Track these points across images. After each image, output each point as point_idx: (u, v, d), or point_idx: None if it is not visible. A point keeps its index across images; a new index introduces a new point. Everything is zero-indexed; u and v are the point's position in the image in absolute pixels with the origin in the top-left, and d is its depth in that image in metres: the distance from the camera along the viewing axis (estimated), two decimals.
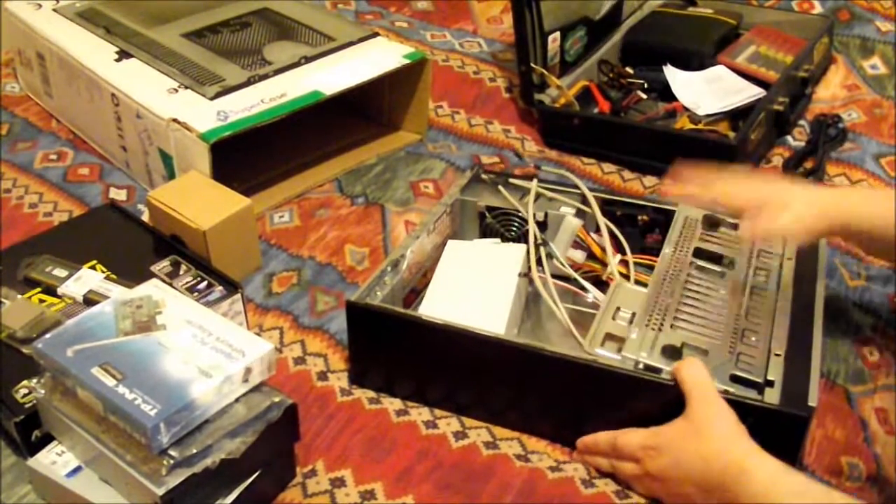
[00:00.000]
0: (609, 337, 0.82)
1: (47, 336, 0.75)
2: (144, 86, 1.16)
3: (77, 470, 0.75)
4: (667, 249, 0.92)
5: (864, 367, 0.92)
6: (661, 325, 0.82)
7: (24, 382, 0.81)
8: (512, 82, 1.42)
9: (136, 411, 0.68)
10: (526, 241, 0.95)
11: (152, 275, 0.94)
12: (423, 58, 1.25)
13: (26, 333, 0.86)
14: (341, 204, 1.17)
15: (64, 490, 0.75)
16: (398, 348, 0.87)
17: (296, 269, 1.06)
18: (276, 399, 0.75)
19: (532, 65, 1.28)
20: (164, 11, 1.34)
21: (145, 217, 1.10)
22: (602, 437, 0.80)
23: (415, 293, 0.96)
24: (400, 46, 1.30)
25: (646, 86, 1.34)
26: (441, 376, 0.87)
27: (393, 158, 1.26)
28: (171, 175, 1.13)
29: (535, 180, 1.02)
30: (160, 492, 0.68)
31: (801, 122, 1.32)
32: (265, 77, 1.18)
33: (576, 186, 1.02)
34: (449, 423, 0.86)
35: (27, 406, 0.80)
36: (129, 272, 0.94)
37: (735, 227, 0.96)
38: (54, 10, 1.35)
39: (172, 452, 0.69)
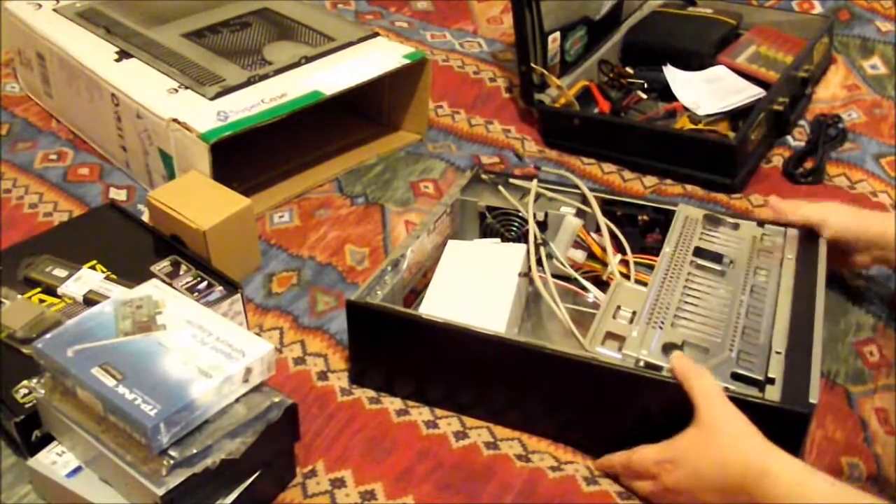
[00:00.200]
0: (610, 335, 0.82)
1: (47, 336, 0.75)
2: (144, 86, 1.16)
3: (77, 470, 0.75)
4: (667, 248, 0.92)
5: (864, 367, 0.92)
6: (662, 323, 0.82)
7: (24, 382, 0.81)
8: (512, 82, 1.42)
9: (136, 411, 0.68)
10: (526, 241, 0.95)
11: (152, 275, 0.94)
12: (423, 58, 1.25)
13: (26, 333, 0.86)
14: (341, 204, 1.17)
15: (64, 490, 0.75)
16: (398, 348, 0.87)
17: (296, 269, 1.06)
18: (276, 399, 0.75)
19: (532, 65, 1.28)
20: (164, 11, 1.34)
21: (145, 217, 1.10)
22: (616, 459, 0.80)
23: (415, 293, 0.96)
24: (400, 46, 1.30)
25: (646, 86, 1.34)
26: (441, 375, 0.87)
27: (393, 158, 1.26)
28: (171, 175, 1.13)
29: (535, 180, 1.02)
30: (160, 492, 0.68)
31: (801, 122, 1.32)
32: (265, 77, 1.18)
33: (576, 186, 1.02)
34: (449, 423, 0.86)
35: (27, 406, 0.80)
36: (129, 272, 0.94)
37: (735, 226, 0.96)
38: (54, 10, 1.35)
39: (172, 452, 0.69)
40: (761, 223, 0.97)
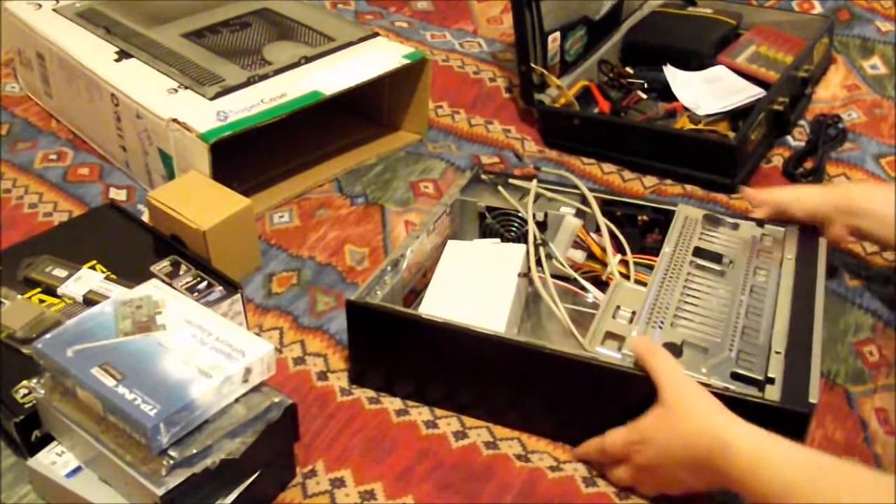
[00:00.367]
0: (609, 335, 0.82)
1: (47, 336, 0.75)
2: (144, 86, 1.16)
3: (77, 470, 0.75)
4: (667, 248, 0.92)
5: (864, 367, 0.92)
6: (662, 323, 0.82)
7: (24, 382, 0.81)
8: (512, 82, 1.42)
9: (136, 411, 0.68)
10: (525, 242, 0.95)
11: (152, 275, 0.94)
12: (423, 58, 1.25)
13: (26, 333, 0.86)
14: (341, 204, 1.17)
15: (64, 490, 0.75)
16: (398, 347, 0.87)
17: (295, 269, 1.06)
18: (276, 399, 0.75)
19: (532, 65, 1.28)
20: (164, 11, 1.34)
21: (145, 217, 1.10)
22: (591, 445, 0.81)
23: (414, 293, 0.96)
24: (400, 46, 1.30)
25: (646, 86, 1.34)
26: (441, 375, 0.87)
27: (393, 158, 1.26)
28: (170, 175, 1.13)
29: (534, 181, 1.02)
30: (160, 492, 0.68)
31: (801, 122, 1.32)
32: (265, 77, 1.18)
33: (575, 187, 1.02)
34: (449, 423, 0.86)
35: (27, 406, 0.80)
36: (129, 272, 0.94)
37: (735, 226, 0.97)
38: (54, 10, 1.35)
39: (172, 453, 0.69)
40: (761, 223, 0.97)
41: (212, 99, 1.13)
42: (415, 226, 1.11)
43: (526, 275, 0.93)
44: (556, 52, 1.33)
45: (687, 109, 1.28)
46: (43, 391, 0.76)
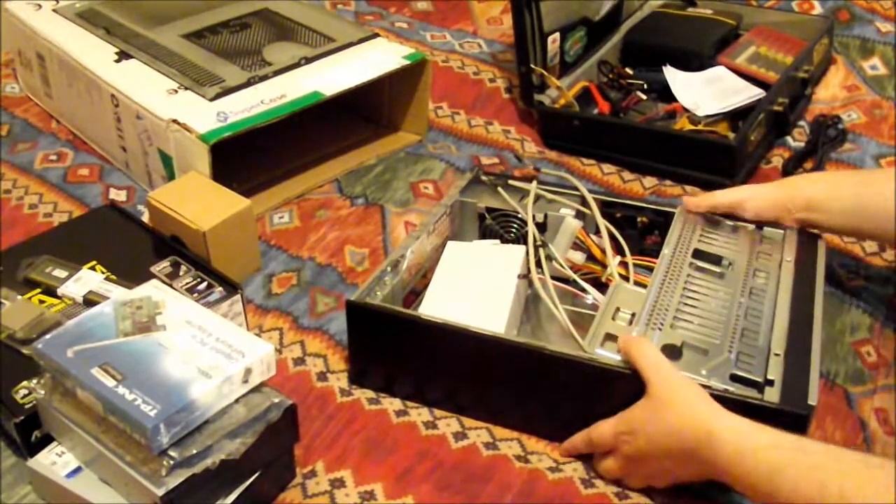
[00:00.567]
0: (609, 337, 0.82)
1: (47, 337, 0.75)
2: (144, 86, 1.16)
3: (77, 470, 0.75)
4: (666, 250, 0.92)
5: (863, 367, 0.93)
6: (661, 324, 0.83)
7: (24, 383, 0.81)
8: (512, 83, 1.42)
9: (136, 412, 0.68)
10: (525, 243, 0.95)
11: (152, 275, 0.94)
12: (423, 58, 1.25)
13: (26, 334, 0.86)
14: (341, 205, 1.17)
15: (64, 490, 0.75)
16: (398, 348, 0.87)
17: (295, 269, 1.06)
18: (276, 400, 0.75)
19: (532, 65, 1.28)
20: (164, 12, 1.34)
21: (145, 218, 1.10)
22: (578, 439, 0.81)
23: (414, 294, 0.96)
24: (400, 47, 1.30)
25: (645, 86, 1.34)
26: (441, 376, 0.87)
27: (393, 159, 1.26)
28: (170, 176, 1.13)
29: (534, 182, 1.02)
30: (160, 492, 0.68)
31: (801, 122, 1.32)
32: (265, 78, 1.18)
33: (575, 188, 1.02)
34: (449, 424, 0.86)
35: (27, 406, 0.80)
36: (129, 273, 0.94)
37: (734, 229, 0.97)
38: (54, 10, 1.35)
39: (172, 453, 0.69)
40: (760, 226, 0.97)
41: (212, 100, 1.13)
42: (415, 226, 1.11)
43: (526, 276, 0.93)
44: (555, 52, 1.33)
45: (687, 110, 1.28)
46: (43, 391, 0.76)
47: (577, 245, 0.98)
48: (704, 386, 0.75)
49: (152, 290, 0.81)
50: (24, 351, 0.84)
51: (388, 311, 0.86)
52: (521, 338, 0.83)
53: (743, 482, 0.68)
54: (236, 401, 0.74)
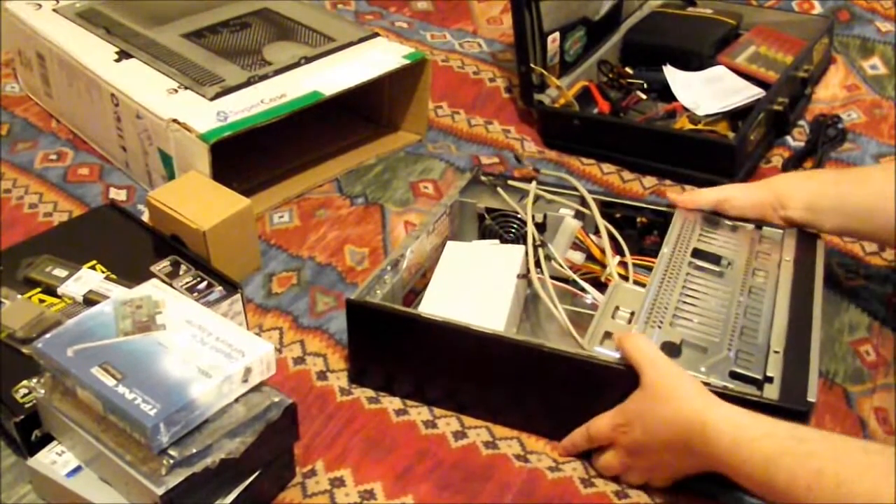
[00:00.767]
0: (608, 335, 0.82)
1: (47, 336, 0.75)
2: (144, 86, 1.16)
3: (77, 470, 0.75)
4: (665, 249, 0.92)
5: (862, 366, 0.93)
6: (661, 323, 0.83)
7: (24, 382, 0.81)
8: (512, 83, 1.42)
9: (136, 411, 0.68)
10: (524, 243, 0.95)
11: (152, 275, 0.94)
12: (423, 58, 1.25)
13: (26, 333, 0.86)
14: (341, 204, 1.17)
15: (64, 490, 0.75)
16: (398, 347, 0.88)
17: (295, 269, 1.07)
18: (276, 399, 0.75)
19: (532, 65, 1.28)
20: (164, 11, 1.34)
21: (145, 217, 1.10)
22: (577, 434, 0.81)
23: (414, 294, 0.96)
24: (400, 47, 1.30)
25: (645, 86, 1.34)
26: (440, 375, 0.87)
27: (393, 159, 1.27)
28: (170, 175, 1.13)
29: (533, 182, 1.02)
30: (160, 491, 0.68)
31: (801, 122, 1.32)
32: (265, 77, 1.18)
33: (575, 188, 1.02)
34: (448, 423, 0.86)
35: (27, 406, 0.80)
36: (129, 272, 0.95)
37: (734, 228, 0.97)
38: (54, 10, 1.35)
39: (172, 452, 0.69)
40: (759, 225, 0.97)
41: (212, 99, 1.13)
42: (415, 226, 1.11)
43: (525, 276, 0.93)
44: (555, 52, 1.33)
45: (686, 109, 1.28)
46: (43, 391, 0.76)
47: (577, 245, 0.98)
48: (704, 383, 0.75)
49: (152, 289, 0.81)
50: (24, 350, 0.84)
51: (388, 310, 0.86)
52: (520, 335, 0.84)
53: (739, 472, 0.68)
54: (236, 400, 0.74)
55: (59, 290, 0.93)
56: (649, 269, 0.92)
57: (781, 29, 1.45)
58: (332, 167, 1.25)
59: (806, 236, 0.95)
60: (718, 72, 1.35)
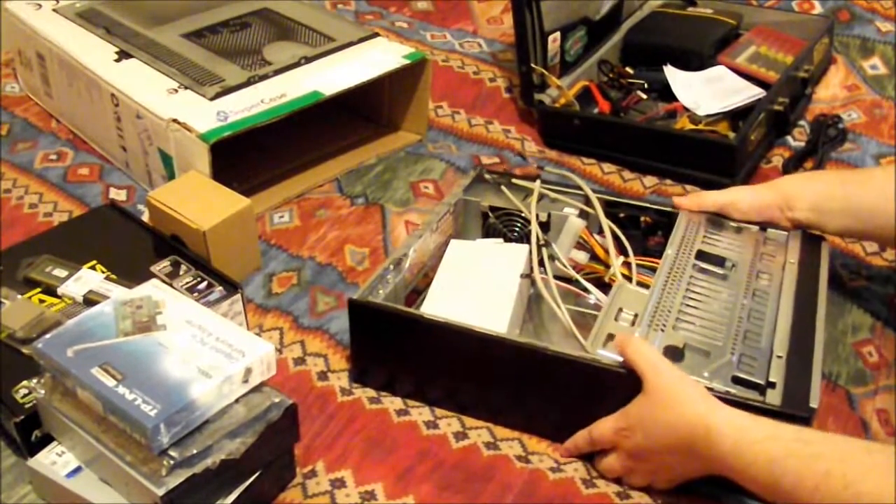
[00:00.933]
0: (611, 338, 0.82)
1: (47, 336, 0.75)
2: (144, 86, 1.16)
3: (77, 470, 0.75)
4: (669, 251, 0.92)
5: (864, 368, 0.92)
6: (664, 326, 0.82)
7: (24, 382, 0.81)
8: (512, 82, 1.42)
9: (136, 412, 0.68)
10: (528, 242, 0.94)
11: (152, 275, 0.94)
12: (423, 58, 1.25)
13: (26, 333, 0.86)
14: (341, 204, 1.17)
15: (64, 490, 0.75)
16: (400, 347, 0.87)
17: (296, 269, 1.06)
18: (276, 399, 0.75)
19: (532, 65, 1.28)
20: (164, 11, 1.34)
21: (145, 217, 1.10)
22: (580, 437, 0.81)
23: (416, 293, 0.96)
24: (400, 47, 1.30)
25: (646, 86, 1.34)
26: (442, 375, 0.87)
27: (393, 159, 1.26)
28: (171, 175, 1.13)
29: (538, 181, 1.02)
30: (160, 492, 0.68)
31: (801, 122, 1.32)
32: (265, 77, 1.18)
33: (579, 187, 1.02)
34: (449, 424, 0.86)
35: (27, 406, 0.80)
36: (129, 272, 0.94)
37: (738, 230, 0.96)
38: (54, 10, 1.35)
39: (172, 453, 0.69)
40: (763, 227, 0.96)
41: (212, 99, 1.13)
42: (415, 226, 1.11)
43: (528, 276, 0.92)
44: (556, 52, 1.33)
45: (687, 109, 1.28)
46: (43, 391, 0.76)
47: (581, 245, 0.98)
48: (707, 388, 0.75)
49: (152, 289, 0.81)
50: (24, 350, 0.84)
51: (390, 310, 0.86)
52: (522, 338, 0.83)
53: (744, 475, 0.68)
54: (236, 400, 0.73)
55: (59, 291, 0.93)
56: (653, 269, 0.92)
57: (781, 29, 1.45)
58: (332, 167, 1.25)
59: (810, 239, 0.95)
60: (719, 72, 1.35)
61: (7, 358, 0.85)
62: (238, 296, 0.94)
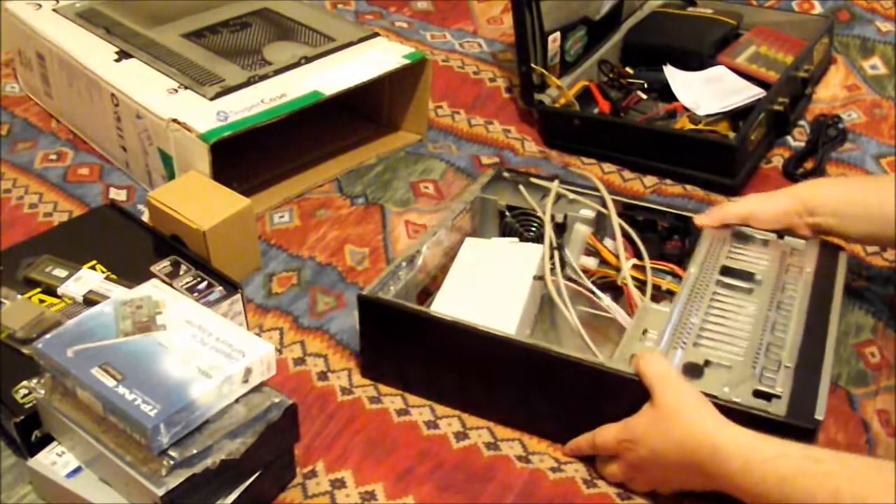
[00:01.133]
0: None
1: (47, 336, 0.75)
2: (144, 86, 1.16)
3: (77, 470, 0.75)
4: (692, 269, 0.90)
5: (865, 368, 0.92)
6: (684, 343, 0.81)
7: (24, 382, 0.81)
8: (512, 82, 1.42)
9: (136, 412, 0.68)
10: (543, 242, 0.94)
11: (152, 275, 0.94)
12: (423, 58, 1.25)
13: (26, 333, 0.86)
14: (341, 204, 1.17)
15: (64, 490, 0.75)
16: (408, 344, 0.87)
17: (296, 269, 1.06)
18: (276, 399, 0.75)
19: (532, 65, 1.28)
20: (164, 11, 1.34)
21: (145, 217, 1.10)
22: (582, 441, 0.81)
23: (429, 291, 0.96)
24: (400, 46, 1.30)
25: (646, 86, 1.34)
26: (450, 373, 0.86)
27: (393, 159, 1.26)
28: (171, 175, 1.13)
29: (556, 181, 1.01)
30: (160, 492, 0.68)
31: (801, 122, 1.32)
32: (265, 77, 1.18)
33: (596, 189, 1.01)
34: (450, 424, 0.86)
35: (27, 406, 0.80)
36: (129, 272, 0.94)
37: (765, 243, 0.95)
38: (54, 10, 1.35)
39: (172, 453, 0.69)
40: (781, 235, 0.95)
41: (212, 99, 1.13)
42: (415, 226, 1.11)
43: (541, 278, 0.92)
44: (556, 52, 1.33)
45: (687, 109, 1.28)
46: (43, 391, 0.76)
47: (589, 251, 0.97)
48: (727, 402, 0.74)
49: (152, 289, 0.81)
50: (24, 351, 0.84)
51: (398, 307, 0.86)
52: (529, 339, 0.83)
53: (752, 494, 0.68)
54: (236, 401, 0.73)
55: (59, 291, 0.93)
56: (670, 273, 0.92)
57: (781, 29, 1.45)
58: (332, 167, 1.25)
59: (828, 247, 0.94)
60: (719, 72, 1.35)
61: (7, 358, 0.85)
62: (238, 296, 0.94)
